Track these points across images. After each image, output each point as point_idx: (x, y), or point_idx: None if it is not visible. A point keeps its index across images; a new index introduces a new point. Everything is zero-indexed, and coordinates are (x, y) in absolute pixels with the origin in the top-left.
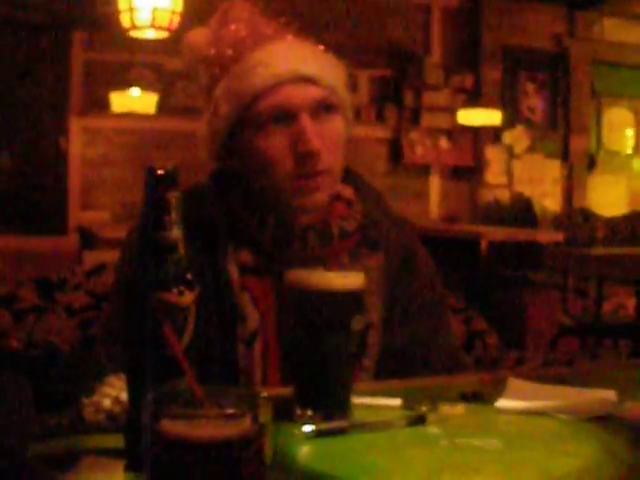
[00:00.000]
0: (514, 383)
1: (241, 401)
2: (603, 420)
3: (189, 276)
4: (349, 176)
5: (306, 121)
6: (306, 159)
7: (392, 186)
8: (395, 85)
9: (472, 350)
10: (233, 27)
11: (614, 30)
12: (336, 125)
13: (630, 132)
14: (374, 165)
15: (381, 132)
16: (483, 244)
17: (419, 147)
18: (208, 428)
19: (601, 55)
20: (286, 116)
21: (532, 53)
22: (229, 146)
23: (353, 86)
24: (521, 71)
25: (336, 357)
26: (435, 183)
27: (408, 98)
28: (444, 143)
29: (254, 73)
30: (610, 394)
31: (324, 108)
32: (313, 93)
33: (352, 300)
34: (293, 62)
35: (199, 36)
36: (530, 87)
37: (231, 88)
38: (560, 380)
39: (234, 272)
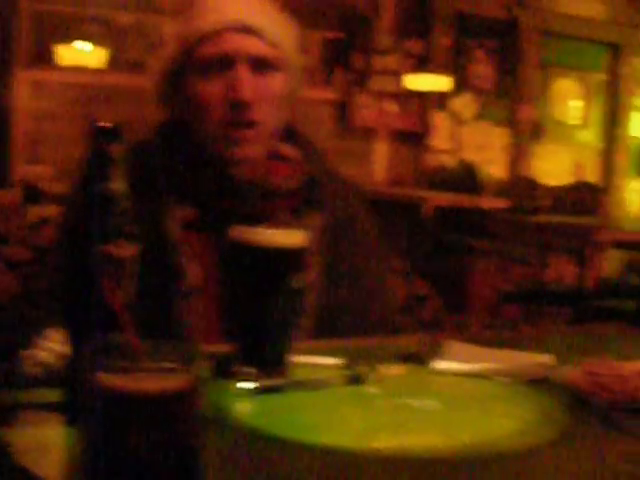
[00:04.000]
0: (452, 345)
1: (180, 356)
2: (540, 383)
3: (130, 229)
4: (294, 136)
5: (243, 70)
6: (241, 108)
7: (338, 148)
8: (345, 48)
9: (413, 313)
10: None
11: (564, 1)
12: (276, 81)
13: (577, 104)
14: (322, 127)
15: (329, 94)
16: (427, 209)
17: (366, 110)
18: (145, 382)
19: (551, 26)
20: (225, 64)
21: (483, 21)
22: (173, 92)
23: (303, 47)
24: (471, 38)
25: (276, 315)
26: (381, 147)
27: (357, 61)
28: (391, 107)
29: (202, 17)
30: (547, 358)
31: (266, 62)
32: (255, 45)
33: (293, 258)
34: (240, 12)
35: None
36: (479, 54)
37: (179, 30)
38: (499, 344)
39: (174, 227)
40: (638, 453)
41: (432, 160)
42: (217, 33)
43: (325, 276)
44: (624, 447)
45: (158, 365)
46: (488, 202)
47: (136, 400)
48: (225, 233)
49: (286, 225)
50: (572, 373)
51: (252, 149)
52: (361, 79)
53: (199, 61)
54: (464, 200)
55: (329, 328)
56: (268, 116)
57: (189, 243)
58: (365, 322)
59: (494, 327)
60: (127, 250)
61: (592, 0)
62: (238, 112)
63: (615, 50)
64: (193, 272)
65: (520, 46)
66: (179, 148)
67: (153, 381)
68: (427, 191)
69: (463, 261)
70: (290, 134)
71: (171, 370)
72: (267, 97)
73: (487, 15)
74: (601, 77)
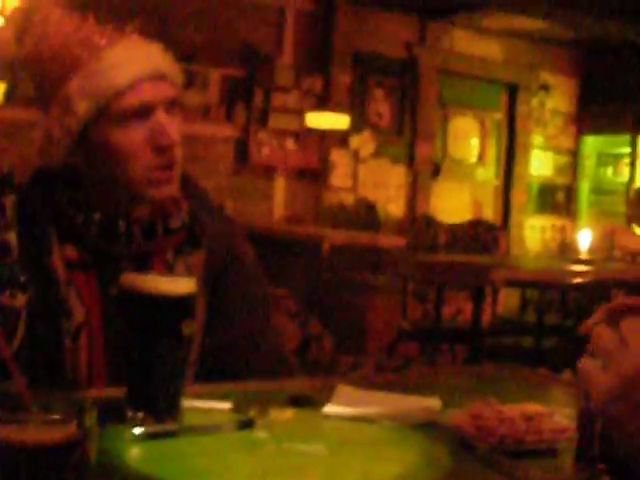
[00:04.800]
0: (343, 389)
1: (68, 405)
2: (426, 427)
3: (22, 279)
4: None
5: (163, 115)
6: (165, 151)
7: (238, 186)
8: (246, 85)
9: (307, 353)
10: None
11: (463, 42)
12: (180, 120)
13: (475, 142)
14: (220, 164)
15: (229, 131)
16: (325, 246)
17: (266, 148)
18: (34, 432)
19: (450, 65)
20: (144, 111)
21: (383, 59)
22: (77, 141)
23: (204, 84)
24: (371, 77)
25: (166, 361)
26: (280, 184)
27: (258, 98)
28: (291, 145)
29: (113, 72)
30: (434, 401)
31: (175, 104)
32: (168, 90)
33: (182, 305)
34: (151, 61)
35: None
36: (379, 93)
37: (88, 86)
38: (389, 387)
39: (60, 267)
40: None
41: (331, 198)
42: (136, 83)
43: (209, 314)
44: None
45: (47, 416)
46: (385, 240)
47: (25, 451)
48: (110, 272)
49: (170, 265)
50: (457, 416)
51: (173, 188)
52: (261, 116)
53: (117, 112)
54: (362, 237)
55: (215, 368)
56: (181, 155)
57: (74, 282)
58: (252, 363)
59: (386, 368)
60: (19, 300)
61: (490, 41)
62: (162, 156)
63: (512, 90)
64: (78, 311)
65: (419, 85)
66: (61, 191)
67: (42, 432)
68: (326, 229)
69: (360, 299)
70: None
71: (59, 421)
72: (179, 137)
73: (387, 54)
74: (498, 116)
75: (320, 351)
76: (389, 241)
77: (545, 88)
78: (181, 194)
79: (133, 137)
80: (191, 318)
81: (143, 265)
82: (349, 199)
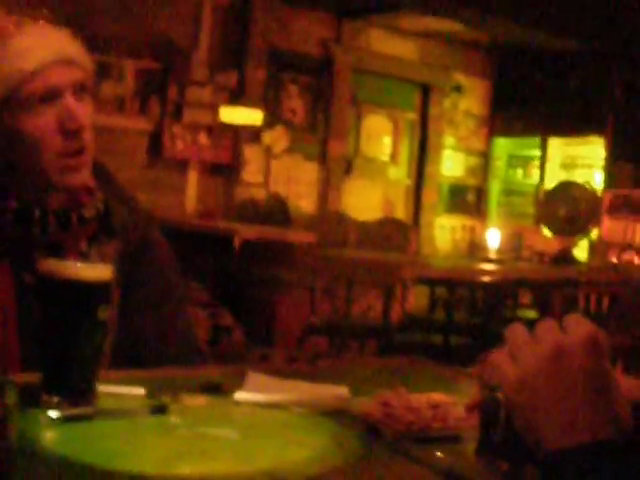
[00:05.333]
0: (253, 376)
1: None
2: (335, 414)
3: None
4: (93, 166)
5: (71, 99)
6: (74, 136)
7: (151, 179)
8: (161, 78)
9: (218, 344)
10: None
11: (379, 41)
12: (90, 106)
13: (387, 141)
14: (134, 157)
15: (143, 124)
16: (236, 241)
17: (179, 142)
18: None
19: (365, 64)
20: (52, 96)
21: (298, 57)
22: None
23: (119, 76)
24: (286, 73)
25: (82, 345)
26: (193, 178)
27: (172, 92)
28: (204, 139)
29: (21, 57)
30: (343, 390)
31: (84, 89)
32: (76, 74)
33: (100, 290)
34: (60, 45)
35: None
36: (293, 90)
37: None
38: (298, 375)
39: None
40: (423, 477)
41: (243, 193)
42: (42, 69)
43: (122, 302)
44: (411, 472)
45: None
46: (296, 235)
47: None
48: (23, 261)
49: (84, 254)
50: (365, 404)
51: (83, 175)
52: (176, 110)
53: (25, 98)
54: (272, 233)
55: (128, 355)
56: (92, 142)
57: None
58: (165, 352)
59: (297, 360)
60: None
61: (405, 41)
62: (71, 140)
63: (425, 90)
64: None
65: (333, 83)
66: None
67: None
68: (237, 224)
69: (270, 294)
70: None
71: None
72: (88, 122)
73: (302, 51)
74: (412, 116)
75: (230, 342)
76: (299, 237)
77: (458, 90)
78: (95, 184)
79: (42, 122)
80: (107, 303)
81: (57, 254)
82: (261, 194)
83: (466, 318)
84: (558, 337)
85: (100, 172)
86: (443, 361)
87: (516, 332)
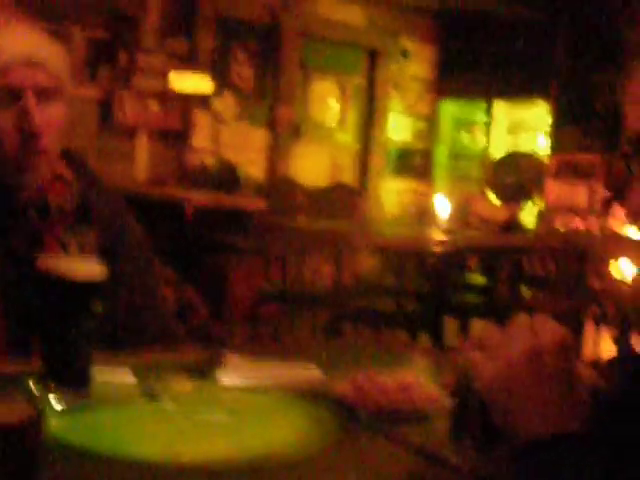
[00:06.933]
0: (233, 359)
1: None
2: (312, 395)
3: None
4: (69, 157)
5: (31, 102)
6: (30, 138)
7: (100, 147)
8: (110, 46)
9: (183, 320)
10: None
11: (326, 7)
12: (58, 110)
13: (335, 105)
14: (84, 125)
15: (93, 92)
16: (189, 208)
17: (129, 109)
18: None
19: (312, 30)
20: (14, 96)
21: (246, 24)
22: None
23: (68, 44)
24: (234, 41)
25: (80, 337)
26: (143, 146)
27: (122, 59)
28: (154, 106)
29: None
30: (314, 369)
31: (49, 93)
32: (40, 77)
33: (94, 286)
34: (26, 47)
35: None
36: (242, 56)
37: None
38: (272, 355)
39: None
40: (398, 455)
41: (193, 159)
42: (6, 67)
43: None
44: (387, 450)
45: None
46: (246, 201)
47: None
48: (2, 249)
49: (63, 243)
50: (340, 386)
51: (39, 175)
52: (125, 77)
53: None
54: (223, 199)
55: (107, 334)
56: (54, 143)
57: None
58: (143, 333)
59: (258, 336)
60: None
61: (352, 6)
62: (28, 141)
63: (373, 55)
64: None
65: (281, 49)
66: None
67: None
68: (188, 190)
69: (223, 261)
70: (66, 155)
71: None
72: (53, 125)
73: (250, 18)
74: (359, 80)
75: (195, 318)
76: (250, 203)
77: (405, 54)
78: (70, 174)
79: (1, 120)
80: (101, 296)
81: (36, 243)
82: (211, 161)
83: (416, 284)
84: (531, 339)
85: (78, 165)
86: (393, 327)
87: (491, 333)
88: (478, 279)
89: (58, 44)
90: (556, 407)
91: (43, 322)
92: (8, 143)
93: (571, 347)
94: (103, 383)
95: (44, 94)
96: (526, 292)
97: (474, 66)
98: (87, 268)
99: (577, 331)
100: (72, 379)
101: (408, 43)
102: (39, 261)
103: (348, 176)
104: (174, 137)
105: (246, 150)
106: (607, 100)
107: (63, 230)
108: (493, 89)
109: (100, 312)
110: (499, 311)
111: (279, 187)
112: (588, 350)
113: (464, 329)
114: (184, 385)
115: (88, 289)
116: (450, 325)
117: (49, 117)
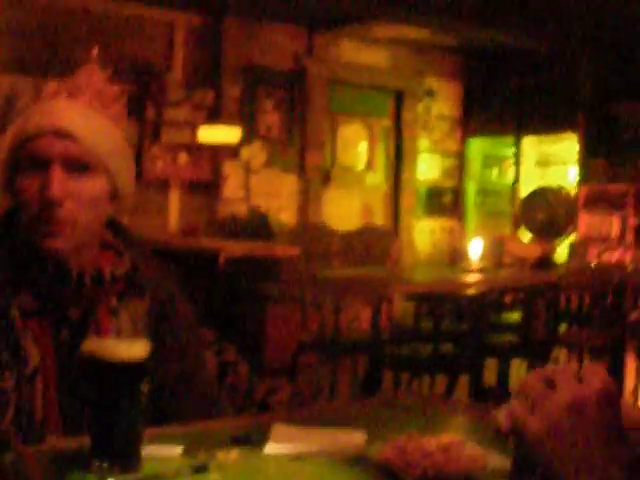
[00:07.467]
0: (278, 427)
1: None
2: (356, 461)
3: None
4: (118, 228)
5: (55, 171)
6: (47, 207)
7: (132, 201)
8: (138, 100)
9: (224, 379)
10: None
11: (350, 52)
12: (93, 184)
13: (363, 148)
14: None
15: None
16: (222, 259)
17: (159, 162)
18: None
19: (337, 74)
20: (42, 164)
21: (271, 71)
22: (10, 183)
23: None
24: (260, 89)
25: (128, 416)
26: (174, 198)
27: (150, 114)
28: (183, 158)
29: (31, 120)
30: (359, 435)
31: (80, 164)
32: (69, 147)
33: (141, 368)
34: (59, 117)
35: None
36: (268, 104)
37: (15, 127)
38: (317, 421)
39: (15, 314)
40: None
41: (224, 209)
42: (38, 135)
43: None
44: None
45: None
46: (280, 249)
47: None
48: (59, 317)
49: (114, 311)
50: (382, 450)
51: (61, 243)
52: (153, 131)
53: (24, 159)
54: (257, 248)
55: (155, 408)
56: (81, 214)
57: (30, 328)
58: (188, 402)
59: (301, 393)
60: (7, 381)
61: (376, 49)
62: (47, 209)
63: (398, 96)
64: (33, 354)
65: (307, 95)
66: (17, 239)
67: None
68: (221, 240)
69: (260, 310)
70: (115, 227)
71: None
72: (80, 196)
73: (275, 65)
74: (386, 122)
75: (236, 377)
76: (283, 250)
77: (430, 94)
78: (121, 244)
79: (28, 186)
80: (148, 377)
81: (89, 311)
82: (242, 210)
83: (453, 326)
84: (576, 389)
85: (126, 235)
86: (432, 370)
87: (533, 383)
88: (514, 317)
89: (103, 119)
90: (602, 458)
91: (91, 402)
92: (31, 208)
93: (615, 397)
94: (152, 458)
95: (74, 165)
96: (563, 328)
97: (499, 101)
98: (132, 349)
99: (617, 365)
100: (121, 458)
101: (433, 82)
102: (84, 344)
103: (379, 218)
104: (205, 188)
105: (276, 197)
106: (635, 129)
107: (115, 299)
108: (520, 123)
109: (147, 391)
110: (536, 349)
111: (311, 233)
112: (630, 384)
113: (503, 369)
114: (230, 455)
115: (133, 370)
116: (490, 365)
117: (76, 189)
